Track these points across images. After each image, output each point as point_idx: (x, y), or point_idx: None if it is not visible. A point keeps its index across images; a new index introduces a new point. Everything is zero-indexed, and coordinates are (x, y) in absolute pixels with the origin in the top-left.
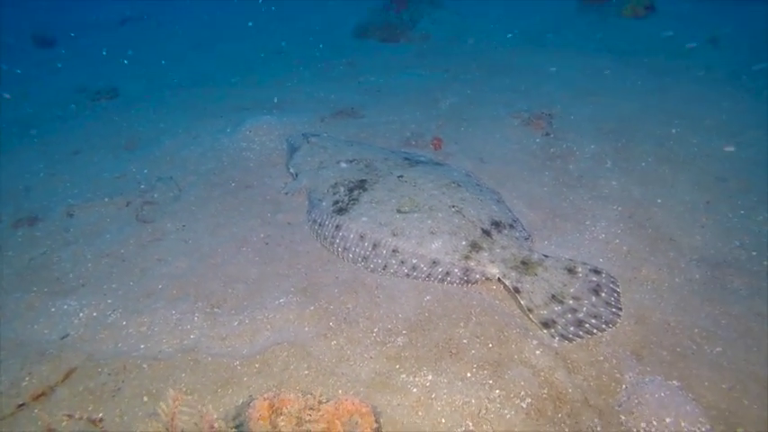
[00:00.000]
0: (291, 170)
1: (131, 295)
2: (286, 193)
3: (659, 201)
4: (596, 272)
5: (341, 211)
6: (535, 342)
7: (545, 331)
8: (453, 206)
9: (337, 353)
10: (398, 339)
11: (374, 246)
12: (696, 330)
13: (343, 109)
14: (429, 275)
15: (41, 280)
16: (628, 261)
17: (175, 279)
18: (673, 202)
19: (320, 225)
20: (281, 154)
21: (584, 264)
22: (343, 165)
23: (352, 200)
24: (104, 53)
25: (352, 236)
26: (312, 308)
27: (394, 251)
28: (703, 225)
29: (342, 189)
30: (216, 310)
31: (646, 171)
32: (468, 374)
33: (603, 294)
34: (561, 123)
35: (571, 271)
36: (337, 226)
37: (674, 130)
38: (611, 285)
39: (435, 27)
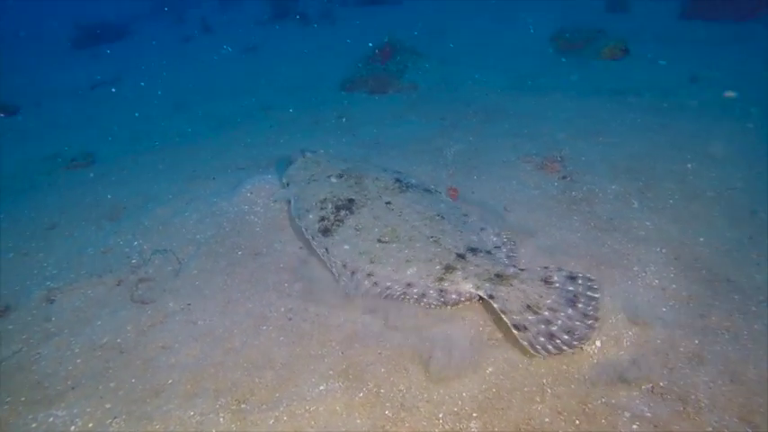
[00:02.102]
0: (284, 180)
1: (135, 395)
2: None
3: (701, 239)
4: (572, 278)
5: (326, 231)
6: (627, 415)
7: (515, 332)
8: (431, 237)
9: None
10: (471, 425)
11: (353, 273)
12: None
13: None
14: (404, 294)
15: (17, 386)
16: (692, 308)
17: (187, 370)
18: (716, 240)
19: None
20: (288, 216)
21: (560, 270)
22: (333, 180)
23: (338, 220)
24: (75, 117)
25: (337, 261)
26: (361, 394)
27: (369, 275)
28: (757, 262)
29: (330, 206)
30: (243, 405)
31: (676, 209)
32: None
33: (581, 305)
34: (575, 165)
35: (547, 281)
36: (326, 249)
37: (689, 166)
38: (589, 293)
39: (422, 76)
